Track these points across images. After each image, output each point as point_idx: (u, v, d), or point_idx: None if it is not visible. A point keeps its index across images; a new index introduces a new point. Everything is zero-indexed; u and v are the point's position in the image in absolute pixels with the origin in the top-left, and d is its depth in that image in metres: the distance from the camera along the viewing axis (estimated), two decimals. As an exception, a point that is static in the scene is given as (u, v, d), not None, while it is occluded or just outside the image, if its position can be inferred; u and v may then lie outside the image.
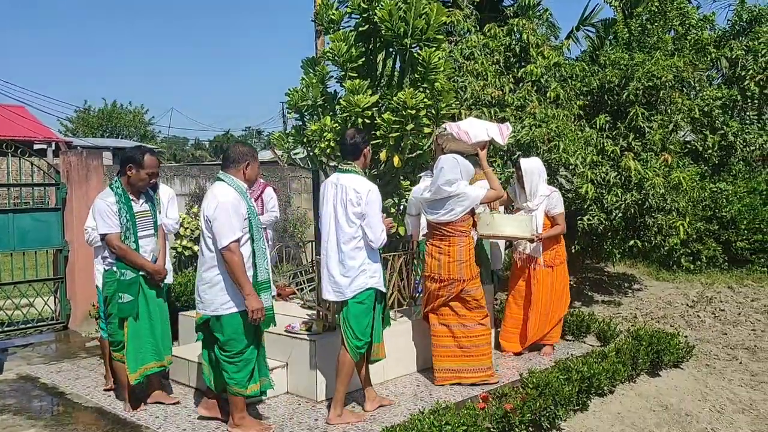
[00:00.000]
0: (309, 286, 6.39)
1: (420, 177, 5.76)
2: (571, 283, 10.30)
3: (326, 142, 5.76)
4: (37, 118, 23.70)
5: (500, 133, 5.70)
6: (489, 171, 5.49)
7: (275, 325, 4.50)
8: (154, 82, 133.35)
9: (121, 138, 34.73)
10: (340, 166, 4.70)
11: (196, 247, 8.35)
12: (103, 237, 4.63)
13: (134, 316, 4.62)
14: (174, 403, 4.88)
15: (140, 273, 4.64)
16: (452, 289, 5.23)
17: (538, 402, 4.47)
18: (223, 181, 4.21)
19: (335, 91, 6.22)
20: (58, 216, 7.28)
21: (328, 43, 6.15)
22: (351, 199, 4.44)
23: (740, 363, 7.06)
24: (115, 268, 4.64)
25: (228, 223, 4.04)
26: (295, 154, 6.35)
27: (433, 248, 5.27)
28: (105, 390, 5.23)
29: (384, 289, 4.66)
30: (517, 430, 4.33)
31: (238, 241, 4.07)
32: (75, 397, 5.18)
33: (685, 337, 6.63)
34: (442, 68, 5.72)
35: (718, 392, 5.99)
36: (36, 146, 19.20)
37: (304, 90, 5.99)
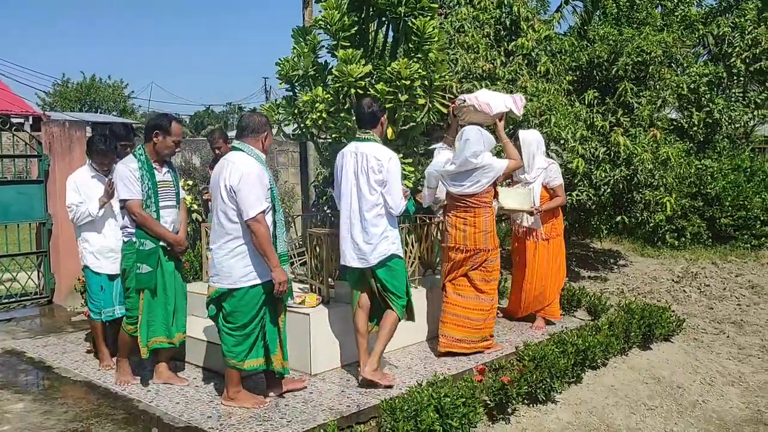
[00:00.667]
0: (299, 260, 6.31)
1: (436, 149, 5.70)
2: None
3: (318, 113, 5.64)
4: (13, 90, 23.22)
5: (515, 104, 5.64)
6: (507, 141, 5.54)
7: (293, 298, 4.48)
8: (134, 55, 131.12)
9: (100, 112, 34.11)
10: (357, 135, 4.71)
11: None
12: (123, 204, 4.42)
13: (152, 288, 4.44)
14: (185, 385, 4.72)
15: (160, 243, 4.45)
16: (477, 259, 5.25)
17: (534, 374, 4.46)
18: (241, 150, 4.13)
19: (326, 61, 6.09)
20: (40, 188, 7.11)
21: (318, 12, 6.02)
22: (372, 166, 4.48)
23: (728, 337, 7.13)
24: (134, 239, 4.42)
25: (255, 194, 3.99)
26: (285, 125, 6.22)
27: (458, 220, 5.27)
28: (102, 369, 5.05)
29: (402, 255, 4.71)
30: (513, 402, 4.33)
31: (264, 211, 4.02)
32: (63, 371, 5.07)
33: (673, 311, 6.67)
34: (436, 38, 5.61)
35: (707, 365, 6.04)
36: (13, 120, 18.79)
37: (296, 60, 5.85)
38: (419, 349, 5.45)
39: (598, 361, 5.23)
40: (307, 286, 5.53)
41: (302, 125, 5.99)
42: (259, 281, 4.09)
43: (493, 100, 5.48)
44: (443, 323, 5.30)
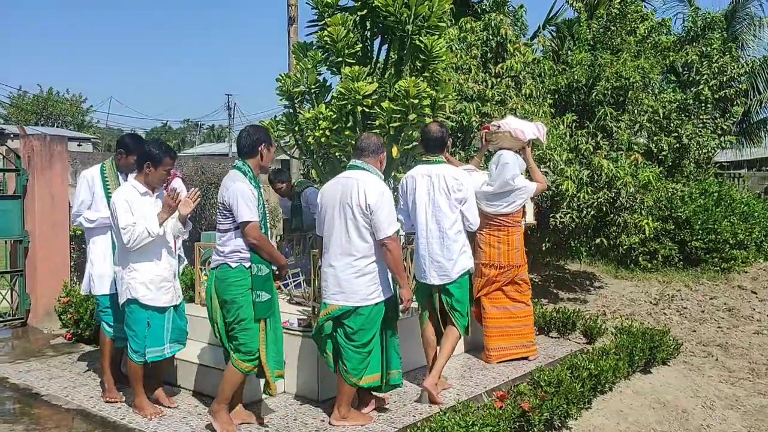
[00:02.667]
0: (294, 281, 6.13)
1: (467, 170, 5.52)
2: (537, 280, 10.40)
3: (321, 131, 5.51)
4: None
5: (540, 131, 5.81)
6: (534, 165, 5.81)
7: None
8: (92, 69, 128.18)
9: (57, 126, 33.13)
10: (425, 158, 4.94)
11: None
12: (245, 225, 3.96)
13: (271, 317, 4.10)
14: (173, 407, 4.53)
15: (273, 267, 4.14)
16: (509, 274, 5.62)
17: (554, 400, 4.38)
18: (365, 170, 4.22)
19: (325, 78, 5.99)
20: (17, 204, 6.75)
21: (304, 30, 5.92)
22: (452, 186, 4.72)
23: (716, 360, 7.20)
24: (248, 264, 4.01)
25: (393, 213, 4.14)
26: (285, 142, 6.07)
27: (492, 238, 5.61)
28: (108, 402, 4.62)
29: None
30: (535, 429, 4.23)
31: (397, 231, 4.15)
32: (52, 398, 4.76)
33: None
34: (443, 57, 5.56)
35: (705, 389, 6.06)
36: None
37: (298, 75, 5.72)
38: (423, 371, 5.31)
39: (607, 386, 5.18)
40: (309, 308, 5.36)
41: (302, 142, 5.85)
42: (382, 298, 4.18)
43: (525, 128, 5.71)
44: (488, 337, 5.64)
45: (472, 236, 5.14)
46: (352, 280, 4.09)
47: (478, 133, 5.92)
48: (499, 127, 5.67)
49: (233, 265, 4.01)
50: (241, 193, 3.94)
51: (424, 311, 4.95)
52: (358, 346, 4.13)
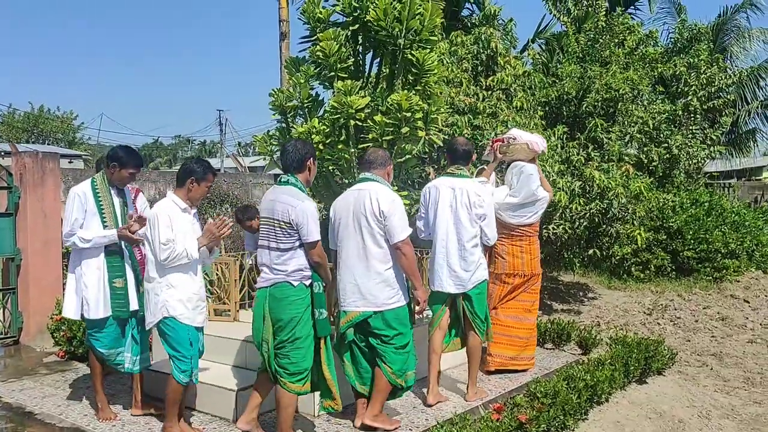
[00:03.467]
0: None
1: (480, 182, 5.50)
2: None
3: (314, 145, 5.52)
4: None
5: (543, 144, 5.93)
6: (543, 176, 5.95)
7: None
8: (84, 88, 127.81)
9: (48, 144, 33.01)
10: (450, 171, 5.13)
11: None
12: (314, 245, 3.99)
13: (330, 334, 4.16)
14: None
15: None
16: (531, 282, 5.82)
17: (550, 412, 4.37)
18: (375, 181, 4.40)
19: (317, 93, 6.00)
20: (9, 222, 6.71)
21: (297, 45, 5.95)
22: (474, 201, 4.90)
23: (711, 369, 7.21)
24: (309, 281, 4.03)
25: (404, 218, 4.31)
26: (278, 157, 6.05)
27: (515, 248, 5.75)
28: (103, 420, 4.59)
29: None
30: (533, 441, 4.22)
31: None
32: (46, 417, 4.73)
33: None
34: (435, 71, 5.59)
35: (701, 398, 6.07)
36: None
37: (291, 90, 5.73)
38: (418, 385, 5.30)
39: (603, 396, 5.18)
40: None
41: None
42: (405, 301, 4.36)
43: (537, 140, 5.85)
44: (496, 344, 5.68)
45: (488, 247, 5.22)
46: (371, 286, 4.25)
47: (490, 146, 5.95)
48: (515, 138, 5.73)
49: (295, 283, 3.98)
50: (311, 213, 3.97)
51: (435, 320, 5.03)
52: (398, 348, 4.31)
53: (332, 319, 4.84)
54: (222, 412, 4.63)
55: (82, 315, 4.53)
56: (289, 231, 3.96)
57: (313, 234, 3.96)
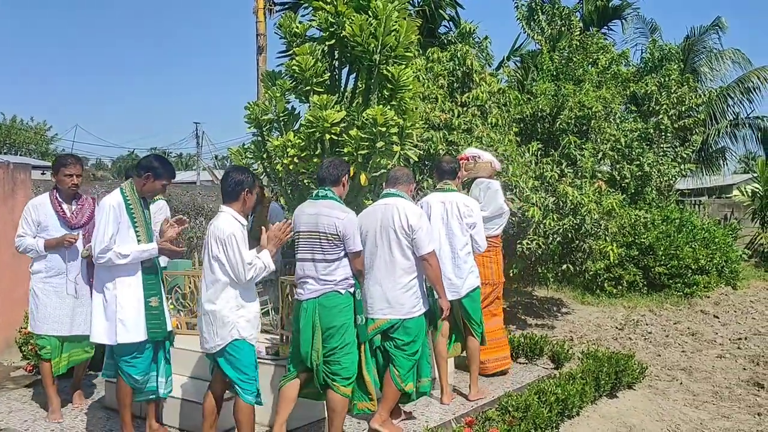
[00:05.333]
0: (262, 310, 6.09)
1: None
2: (505, 306, 10.45)
3: (289, 159, 5.54)
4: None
5: (498, 163, 6.48)
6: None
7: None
8: (58, 99, 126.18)
9: (20, 155, 32.53)
10: (439, 187, 5.50)
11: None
12: (358, 254, 4.28)
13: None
14: None
15: None
16: (499, 289, 6.20)
17: (521, 425, 4.40)
18: (400, 196, 4.67)
19: (293, 106, 6.03)
20: (-21, 233, 6.62)
21: (274, 59, 5.97)
22: (464, 212, 5.27)
23: (681, 384, 7.30)
24: (353, 289, 4.27)
25: (430, 231, 4.68)
26: (254, 170, 6.04)
27: (485, 259, 5.99)
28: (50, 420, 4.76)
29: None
30: (504, 455, 4.25)
31: None
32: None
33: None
34: (410, 86, 5.65)
35: (670, 413, 6.14)
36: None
37: (267, 104, 5.75)
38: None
39: (574, 410, 5.22)
40: (277, 336, 5.33)
41: (271, 170, 5.86)
42: (424, 310, 4.61)
43: (495, 159, 6.37)
44: (487, 349, 5.86)
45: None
46: (399, 295, 4.50)
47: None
48: (479, 157, 6.04)
49: (342, 291, 4.21)
50: (356, 224, 4.28)
51: (440, 326, 5.28)
52: (409, 354, 4.54)
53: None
54: (194, 427, 4.57)
55: (115, 340, 4.15)
56: (335, 242, 4.18)
57: (358, 244, 4.26)
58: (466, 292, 5.24)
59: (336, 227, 4.15)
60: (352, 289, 4.25)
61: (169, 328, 4.35)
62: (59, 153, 5.41)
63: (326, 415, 4.36)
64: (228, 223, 3.94)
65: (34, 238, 4.85)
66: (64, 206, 4.92)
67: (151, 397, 4.38)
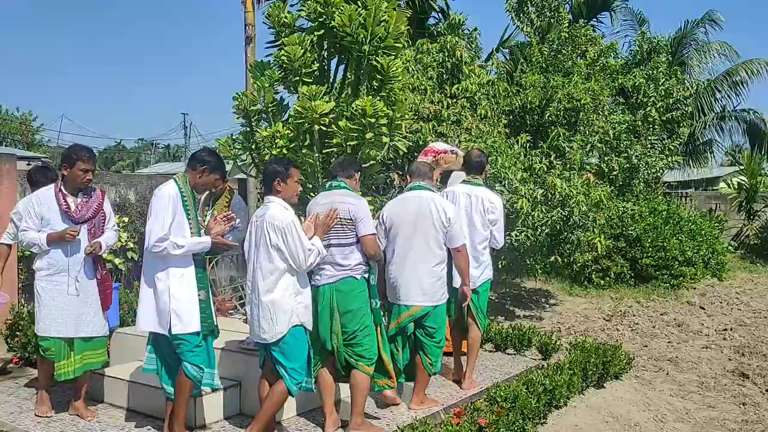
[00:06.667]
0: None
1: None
2: (494, 298, 10.50)
3: (278, 149, 5.51)
4: None
5: None
6: None
7: None
8: (44, 89, 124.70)
9: (5, 145, 32.23)
10: (466, 179, 5.60)
11: (117, 260, 7.76)
12: (371, 238, 4.41)
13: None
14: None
15: None
16: None
17: (509, 416, 4.42)
18: (430, 190, 4.90)
19: (282, 97, 6.00)
20: (-37, 223, 6.55)
21: (262, 50, 5.93)
22: (488, 207, 5.40)
23: (667, 374, 7.35)
24: (367, 275, 4.44)
25: (463, 225, 5.06)
26: (241, 161, 6.02)
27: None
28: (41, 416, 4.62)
29: None
30: (491, 445, 4.27)
31: None
32: (-2, 424, 4.62)
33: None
34: (399, 77, 5.63)
35: (657, 402, 6.19)
36: None
37: (255, 94, 5.71)
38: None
39: (562, 400, 5.25)
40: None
41: (259, 160, 5.83)
42: (447, 297, 4.89)
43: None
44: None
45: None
46: (433, 283, 4.76)
47: (433, 157, 6.02)
48: (455, 152, 5.93)
49: (358, 277, 4.38)
50: (367, 208, 4.46)
51: (451, 315, 5.41)
52: (437, 342, 4.85)
53: None
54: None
55: (169, 331, 4.07)
56: (350, 227, 4.34)
57: (370, 227, 4.38)
58: (481, 283, 5.39)
59: (349, 211, 4.33)
60: (366, 275, 4.41)
61: (215, 323, 4.30)
62: (75, 144, 4.84)
63: (350, 394, 4.50)
64: (283, 212, 4.09)
65: (38, 232, 4.54)
66: (69, 200, 4.58)
67: (197, 392, 4.32)
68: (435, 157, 5.82)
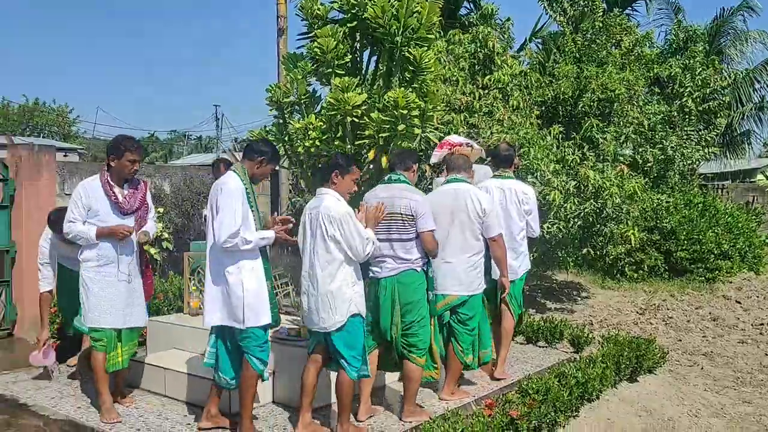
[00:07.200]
0: (283, 291, 6.14)
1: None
2: (524, 290, 10.44)
3: (311, 141, 5.55)
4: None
5: None
6: None
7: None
8: (79, 81, 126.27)
9: (43, 137, 32.87)
10: (497, 174, 5.71)
11: (152, 250, 7.88)
12: (431, 233, 4.48)
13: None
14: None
15: None
16: None
17: (541, 408, 4.41)
18: (466, 182, 5.01)
19: (314, 89, 6.02)
20: (4, 214, 6.72)
21: (294, 42, 5.96)
22: (522, 199, 5.52)
23: (701, 368, 7.26)
24: (425, 267, 4.54)
25: (499, 215, 5.13)
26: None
27: None
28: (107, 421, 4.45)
29: None
30: (523, 437, 4.26)
31: None
32: (40, 409, 4.74)
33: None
34: (432, 69, 5.61)
35: (691, 397, 6.12)
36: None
37: (288, 86, 5.75)
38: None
39: (594, 394, 5.22)
40: (298, 318, 5.36)
41: (292, 152, 5.88)
42: (484, 287, 4.98)
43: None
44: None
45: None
46: (470, 272, 4.86)
47: (449, 150, 5.98)
48: (470, 145, 5.87)
49: (418, 269, 4.48)
50: (428, 205, 4.52)
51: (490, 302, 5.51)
52: (469, 330, 4.92)
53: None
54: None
55: (243, 324, 4.06)
56: (411, 223, 4.43)
57: (430, 224, 4.45)
58: (521, 274, 5.53)
59: (411, 208, 4.42)
60: (425, 267, 4.51)
61: (279, 313, 4.33)
62: (121, 135, 4.79)
63: (403, 383, 4.64)
64: (338, 203, 4.15)
65: (84, 223, 4.47)
66: (116, 190, 4.52)
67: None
68: (450, 150, 5.80)
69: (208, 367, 4.30)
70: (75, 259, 4.68)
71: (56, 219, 5.13)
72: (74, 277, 4.71)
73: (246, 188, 4.10)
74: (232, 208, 3.98)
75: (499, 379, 5.50)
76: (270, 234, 4.16)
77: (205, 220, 4.35)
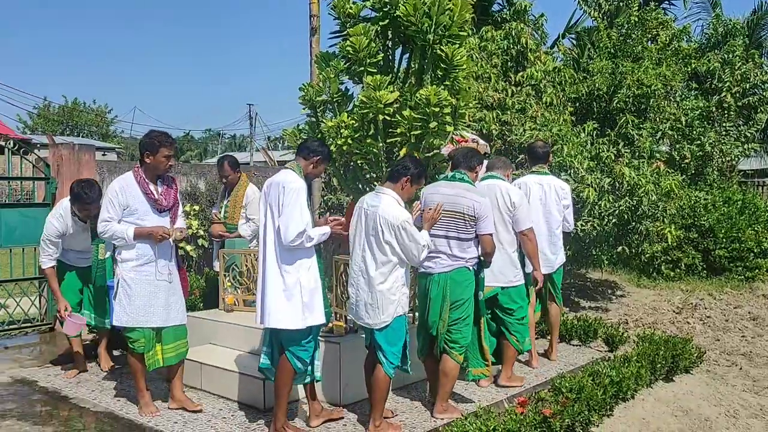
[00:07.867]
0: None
1: None
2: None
3: (343, 139, 5.58)
4: (-7, 113, 22.82)
5: None
6: None
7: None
8: (117, 81, 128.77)
9: (82, 136, 33.68)
10: (535, 170, 5.94)
11: (188, 247, 8.03)
12: (490, 235, 4.61)
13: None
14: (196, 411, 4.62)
15: None
16: None
17: (575, 407, 4.38)
18: (500, 178, 5.25)
19: (347, 87, 6.06)
20: (46, 212, 6.80)
21: (327, 40, 6.01)
22: (560, 194, 5.79)
23: (740, 369, 7.13)
24: (477, 268, 4.63)
25: (529, 210, 5.27)
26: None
27: None
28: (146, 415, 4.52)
29: None
30: (556, 435, 4.24)
31: None
32: (80, 401, 4.87)
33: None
34: (464, 66, 5.61)
35: (729, 398, 6.01)
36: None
37: (321, 85, 5.80)
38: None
39: (629, 393, 5.17)
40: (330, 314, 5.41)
41: (325, 150, 5.91)
42: (522, 281, 5.18)
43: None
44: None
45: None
46: (502, 266, 5.01)
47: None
48: (476, 141, 6.09)
49: (471, 268, 4.56)
50: (490, 208, 4.60)
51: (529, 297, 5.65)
52: (519, 320, 5.17)
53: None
54: (251, 400, 4.71)
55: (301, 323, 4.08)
56: (471, 223, 4.50)
57: (490, 227, 4.55)
58: (559, 265, 5.82)
59: (474, 209, 4.49)
60: (477, 267, 4.57)
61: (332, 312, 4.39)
62: (154, 130, 4.76)
63: (439, 379, 4.60)
64: (397, 208, 4.18)
65: (119, 222, 4.43)
66: (152, 187, 4.50)
67: (307, 380, 4.36)
68: (461, 143, 5.94)
69: (264, 368, 4.27)
70: (76, 252, 4.79)
71: (77, 194, 5.20)
72: (72, 274, 4.82)
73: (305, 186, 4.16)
74: (299, 207, 4.00)
75: (534, 368, 5.80)
76: (327, 230, 4.21)
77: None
